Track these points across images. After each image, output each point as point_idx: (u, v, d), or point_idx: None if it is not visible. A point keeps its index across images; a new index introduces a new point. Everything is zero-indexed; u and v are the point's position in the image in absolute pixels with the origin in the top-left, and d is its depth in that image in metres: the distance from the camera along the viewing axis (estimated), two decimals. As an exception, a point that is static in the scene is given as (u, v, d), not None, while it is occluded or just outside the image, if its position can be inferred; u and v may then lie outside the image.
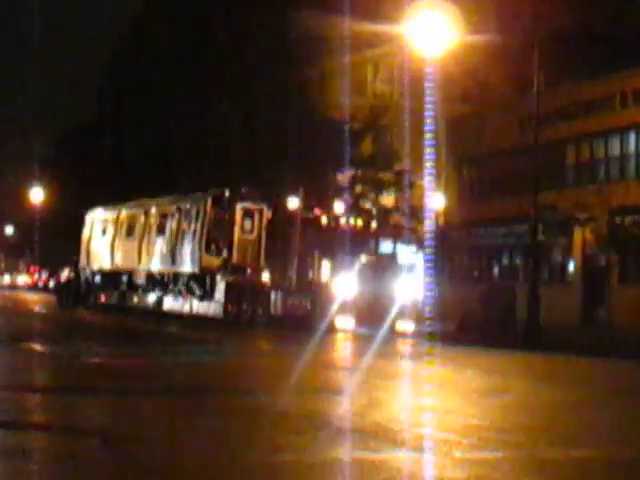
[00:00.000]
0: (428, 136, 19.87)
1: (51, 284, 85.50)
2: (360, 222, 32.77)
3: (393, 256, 31.78)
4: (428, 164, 28.91)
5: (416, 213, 33.64)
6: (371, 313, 28.80)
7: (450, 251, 30.68)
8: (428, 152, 27.59)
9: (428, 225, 29.50)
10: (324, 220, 32.68)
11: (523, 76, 37.59)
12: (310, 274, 31.22)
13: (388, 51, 39.10)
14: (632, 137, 38.47)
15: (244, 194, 33.85)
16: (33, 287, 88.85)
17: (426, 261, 28.50)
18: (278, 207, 32.56)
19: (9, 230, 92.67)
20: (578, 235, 35.68)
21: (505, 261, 43.35)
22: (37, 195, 71.40)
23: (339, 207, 33.07)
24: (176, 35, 59.87)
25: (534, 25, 35.08)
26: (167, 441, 11.11)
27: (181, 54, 58.23)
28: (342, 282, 29.49)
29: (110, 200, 50.00)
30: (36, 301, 65.22)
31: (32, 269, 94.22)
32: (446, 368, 22.83)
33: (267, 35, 49.64)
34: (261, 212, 33.10)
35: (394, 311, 29.49)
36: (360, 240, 30.93)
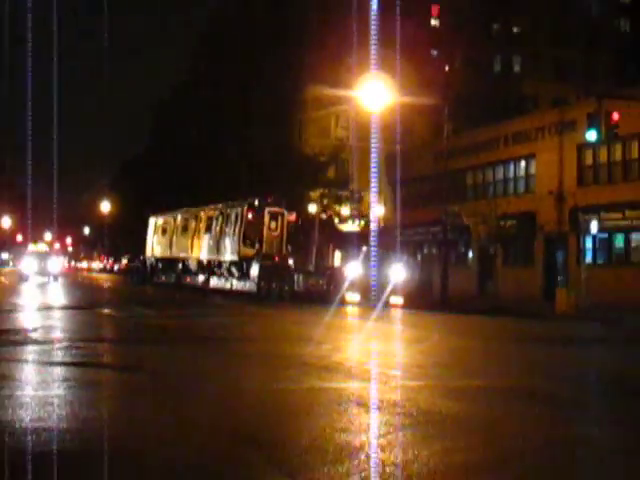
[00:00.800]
0: (372, 166, 20.67)
1: (115, 268, 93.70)
2: (361, 222, 33.45)
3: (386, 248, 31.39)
4: (372, 185, 30.55)
5: (364, 218, 34.26)
6: (371, 290, 28.62)
7: (388, 245, 30.90)
8: (372, 177, 29.30)
9: (373, 227, 30.30)
10: (335, 220, 33.47)
11: (437, 125, 39.88)
12: (325, 261, 31.57)
13: (345, 108, 41.65)
14: (511, 166, 40.50)
15: (269, 202, 34.60)
16: (103, 270, 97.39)
17: (372, 251, 28.94)
18: (297, 211, 33.69)
19: (86, 230, 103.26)
20: (475, 233, 36.77)
21: (425, 252, 44.57)
22: (105, 206, 75.62)
23: (345, 211, 34.33)
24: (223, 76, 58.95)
25: (445, 90, 36.49)
26: (196, 375, 11.69)
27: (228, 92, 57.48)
28: (350, 267, 29.71)
29: (159, 210, 50.78)
30: (106, 279, 67.09)
31: (102, 257, 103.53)
32: (393, 325, 23.83)
33: (273, 100, 50.43)
34: (282, 215, 33.97)
35: (388, 288, 29.07)
36: (359, 235, 31.45)
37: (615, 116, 25.45)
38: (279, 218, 33.87)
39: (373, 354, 14.75)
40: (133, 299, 33.33)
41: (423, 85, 40.01)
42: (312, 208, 34.10)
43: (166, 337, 18.10)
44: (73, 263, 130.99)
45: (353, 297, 28.84)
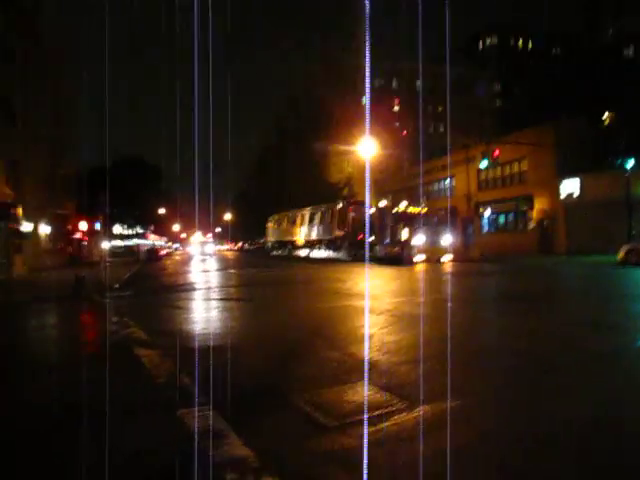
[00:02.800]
0: (367, 186, 21.63)
1: (235, 249, 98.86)
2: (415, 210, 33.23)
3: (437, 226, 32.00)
4: (367, 196, 33.91)
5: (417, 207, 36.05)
6: (430, 253, 28.62)
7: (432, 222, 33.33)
8: (367, 192, 32.89)
9: (368, 217, 32.13)
10: (401, 209, 32.91)
11: (402, 160, 49.03)
12: (396, 235, 31.41)
13: (352, 155, 44.67)
14: (442, 182, 45.96)
15: (350, 202, 36.19)
16: (230, 250, 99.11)
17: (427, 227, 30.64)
18: (374, 206, 33.10)
19: (218, 229, 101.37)
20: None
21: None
22: (228, 216, 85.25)
23: (403, 204, 33.39)
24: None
25: (403, 144, 47.40)
26: (283, 301, 12.62)
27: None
28: (415, 238, 29.38)
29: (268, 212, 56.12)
30: (234, 255, 64.87)
31: (228, 242, 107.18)
32: (415, 272, 22.19)
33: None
34: (360, 208, 34.15)
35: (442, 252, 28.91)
36: (415, 218, 31.54)
37: (496, 152, 30.12)
38: (358, 211, 33.96)
39: (384, 287, 14.83)
40: (251, 264, 33.10)
41: (392, 142, 46.71)
42: (382, 203, 33.81)
43: (269, 282, 18.41)
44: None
45: (419, 257, 28.08)
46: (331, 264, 29.60)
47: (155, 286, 18.06)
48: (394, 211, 32.57)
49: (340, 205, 37.05)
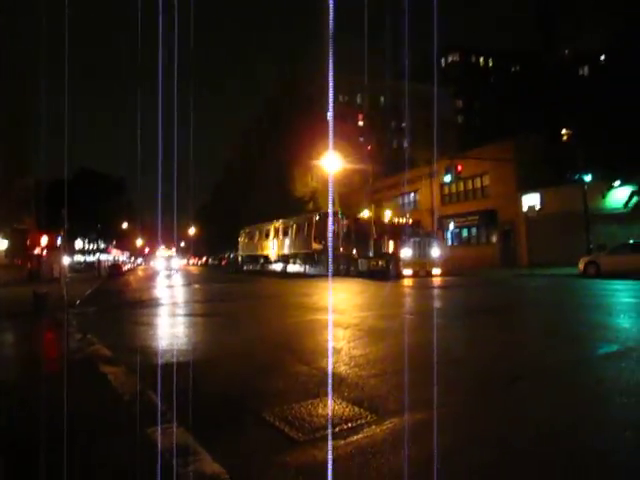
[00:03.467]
0: (330, 200, 21.64)
1: (198, 264, 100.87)
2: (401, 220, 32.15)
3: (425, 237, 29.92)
4: (330, 210, 32.14)
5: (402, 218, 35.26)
6: (418, 266, 27.57)
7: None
8: (330, 207, 30.79)
9: (330, 228, 31.28)
10: (385, 220, 32.13)
11: (367, 175, 49.62)
12: (380, 248, 29.43)
13: (317, 169, 45.02)
14: (406, 197, 46.94)
15: (327, 214, 33.83)
16: (194, 265, 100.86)
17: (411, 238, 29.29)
18: (350, 217, 32.41)
19: (182, 244, 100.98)
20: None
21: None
22: (191, 230, 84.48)
23: (387, 214, 33.21)
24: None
25: (368, 158, 46.76)
26: (250, 315, 12.42)
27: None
28: (401, 250, 27.61)
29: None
30: (197, 270, 65.20)
31: (192, 257, 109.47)
32: (396, 287, 21.37)
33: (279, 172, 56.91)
34: (339, 221, 31.68)
35: (431, 265, 28.05)
36: (400, 229, 29.84)
37: (459, 167, 30.29)
38: (337, 222, 31.62)
39: (352, 301, 14.91)
40: (217, 279, 32.32)
41: (357, 157, 46.09)
42: (365, 213, 33.15)
43: (234, 297, 18.40)
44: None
45: (407, 271, 26.88)
46: (308, 280, 28.29)
47: (119, 302, 17.77)
48: (377, 222, 31.27)
49: (317, 217, 35.20)
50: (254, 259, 46.72)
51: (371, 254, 29.59)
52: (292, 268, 37.87)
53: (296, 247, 37.42)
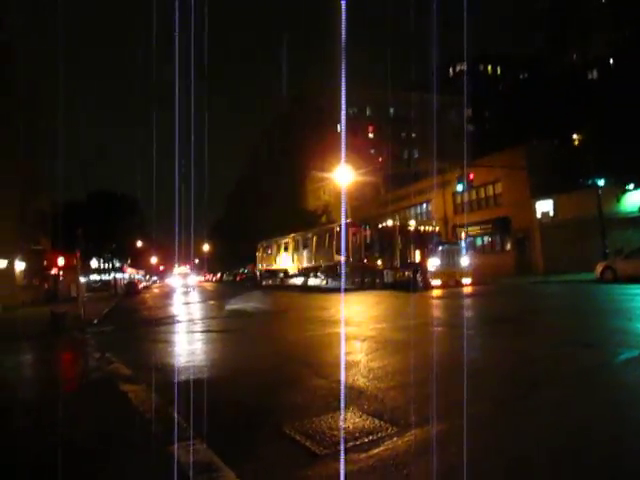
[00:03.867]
0: (343, 212, 21.51)
1: (213, 279, 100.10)
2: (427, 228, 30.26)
3: (453, 245, 28.74)
4: (342, 221, 32.25)
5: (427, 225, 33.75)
6: (447, 276, 25.81)
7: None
8: (343, 217, 31.92)
9: (343, 240, 30.57)
10: (410, 228, 29.59)
11: (378, 187, 51.23)
12: (406, 257, 27.69)
13: (329, 182, 44.90)
14: (418, 207, 46.48)
15: (350, 223, 30.25)
16: (209, 281, 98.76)
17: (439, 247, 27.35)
18: (373, 226, 29.42)
19: (196, 261, 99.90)
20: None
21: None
22: (205, 247, 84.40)
23: (412, 222, 30.79)
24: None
25: (379, 170, 45.69)
26: (266, 331, 12.47)
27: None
28: (430, 260, 25.75)
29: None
30: (213, 286, 63.73)
31: (205, 274, 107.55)
32: (419, 298, 19.83)
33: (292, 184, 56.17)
34: (360, 231, 29.41)
35: (461, 275, 26.23)
36: (427, 238, 28.42)
37: (471, 176, 29.71)
38: (359, 233, 29.40)
39: (369, 314, 14.80)
40: (230, 294, 31.38)
41: (368, 169, 46.50)
42: (389, 222, 29.67)
43: (249, 314, 18.18)
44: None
45: (436, 282, 25.09)
46: (330, 293, 27.41)
47: (135, 320, 17.88)
48: (402, 231, 29.03)
49: (338, 227, 33.12)
50: (273, 273, 44.18)
51: (397, 264, 27.72)
52: (313, 282, 35.54)
53: (317, 260, 35.13)
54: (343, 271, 30.08)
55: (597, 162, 26.71)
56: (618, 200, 29.18)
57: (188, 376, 6.84)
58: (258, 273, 49.24)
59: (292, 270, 39.56)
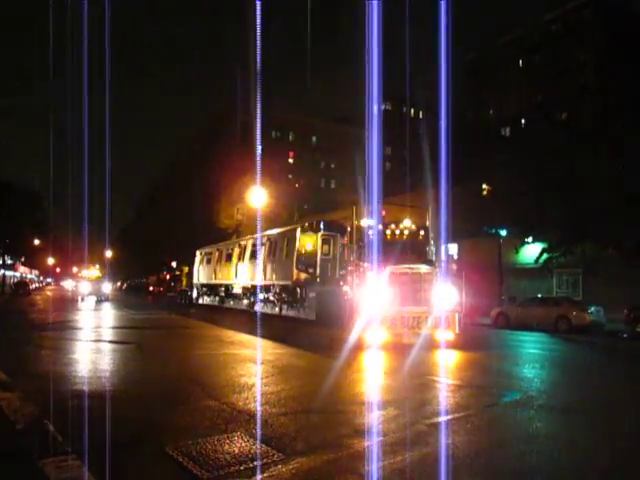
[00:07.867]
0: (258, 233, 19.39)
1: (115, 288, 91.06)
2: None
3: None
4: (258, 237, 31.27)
5: None
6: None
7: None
8: (259, 237, 27.13)
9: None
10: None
11: (293, 211, 51.16)
12: None
13: (244, 204, 43.45)
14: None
15: (319, 227, 20.72)
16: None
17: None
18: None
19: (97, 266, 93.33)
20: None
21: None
22: (108, 253, 77.40)
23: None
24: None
25: (295, 196, 53.05)
26: (164, 346, 12.19)
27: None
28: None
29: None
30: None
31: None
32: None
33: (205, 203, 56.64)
34: (335, 239, 19.91)
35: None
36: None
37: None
38: (331, 242, 20.04)
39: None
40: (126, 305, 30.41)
41: (284, 193, 47.68)
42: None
43: (148, 326, 17.53)
44: None
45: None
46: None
47: (21, 323, 16.87)
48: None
49: (300, 230, 22.13)
50: (212, 289, 33.49)
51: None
52: (262, 307, 24.45)
53: (268, 276, 24.19)
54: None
55: (501, 213, 28.27)
56: (517, 251, 30.94)
57: (70, 387, 6.53)
58: (195, 288, 37.28)
59: (236, 287, 29.16)
